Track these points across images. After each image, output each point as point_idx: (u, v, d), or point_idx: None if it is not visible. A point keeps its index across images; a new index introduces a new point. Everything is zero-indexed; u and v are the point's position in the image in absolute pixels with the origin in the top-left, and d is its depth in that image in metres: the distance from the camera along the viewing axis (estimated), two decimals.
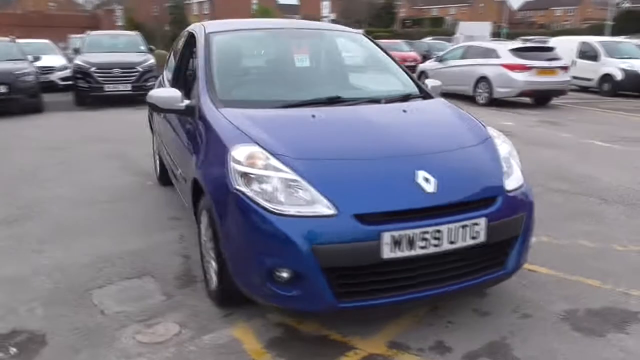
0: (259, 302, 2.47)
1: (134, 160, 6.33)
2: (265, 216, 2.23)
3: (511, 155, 2.75)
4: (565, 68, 11.59)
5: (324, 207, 2.20)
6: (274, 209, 2.22)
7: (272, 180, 2.29)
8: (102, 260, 3.41)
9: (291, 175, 2.29)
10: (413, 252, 2.24)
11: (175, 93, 3.11)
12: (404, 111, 3.02)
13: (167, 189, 5.01)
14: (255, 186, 2.30)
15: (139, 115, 9.98)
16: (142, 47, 12.39)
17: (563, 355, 2.39)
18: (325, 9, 33.94)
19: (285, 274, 2.22)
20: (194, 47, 3.91)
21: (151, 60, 11.61)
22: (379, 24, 47.70)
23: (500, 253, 2.51)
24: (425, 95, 3.37)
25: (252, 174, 2.34)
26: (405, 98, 3.26)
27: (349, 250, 2.18)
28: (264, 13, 48.55)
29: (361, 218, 2.21)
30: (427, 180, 2.34)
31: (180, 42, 4.27)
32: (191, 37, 4.08)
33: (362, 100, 3.11)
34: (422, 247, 2.26)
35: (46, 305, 2.84)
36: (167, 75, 4.58)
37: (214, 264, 2.69)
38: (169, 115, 3.71)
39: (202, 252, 2.99)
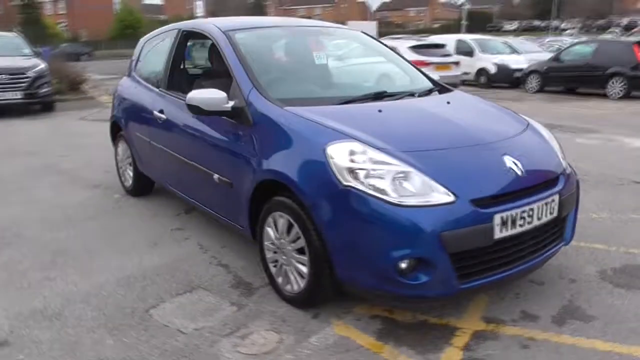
0: (373, 297, 2.52)
1: (73, 173, 5.77)
2: (390, 209, 2.26)
3: (550, 137, 3.07)
4: (457, 63, 12.70)
5: (442, 195, 2.30)
6: (397, 201, 2.27)
7: (383, 173, 2.33)
8: (135, 279, 3.14)
9: (403, 167, 2.35)
10: (514, 231, 2.44)
11: (220, 94, 2.97)
12: (448, 102, 3.20)
13: (143, 200, 4.70)
14: (368, 180, 2.32)
15: (40, 125, 9.06)
16: (26, 50, 11.15)
17: (625, 308, 2.75)
18: (199, 8, 33.04)
19: (414, 264, 2.28)
20: (201, 46, 3.75)
21: (42, 65, 10.51)
22: None
23: (562, 225, 2.81)
24: (441, 87, 3.58)
25: (361, 168, 2.35)
26: (431, 91, 3.45)
27: (470, 233, 2.31)
28: (128, 13, 45.98)
29: (476, 202, 2.35)
30: (515, 164, 2.55)
31: (168, 42, 4.02)
32: (189, 36, 3.89)
33: (403, 94, 3.24)
34: (521, 225, 2.46)
35: (111, 333, 2.57)
36: (150, 76, 4.28)
37: (300, 266, 2.64)
38: (180, 121, 3.51)
39: (265, 257, 2.91)
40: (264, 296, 2.92)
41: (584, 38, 32.97)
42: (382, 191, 2.29)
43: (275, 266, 2.89)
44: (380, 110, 2.88)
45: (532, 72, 14.51)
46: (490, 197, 2.40)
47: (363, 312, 2.72)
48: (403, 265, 2.28)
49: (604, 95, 12.77)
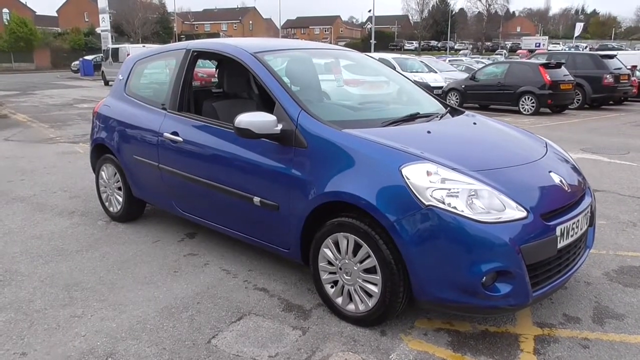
0: (448, 310, 2.62)
1: (36, 200, 5.33)
2: (475, 226, 2.40)
3: (566, 153, 3.40)
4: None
5: (516, 211, 2.48)
6: (479, 217, 2.41)
7: (460, 192, 2.47)
8: (177, 309, 3.00)
9: (477, 185, 2.51)
10: (568, 241, 2.69)
11: (271, 117, 2.96)
12: (475, 124, 3.43)
13: (134, 226, 4.46)
14: (449, 200, 2.45)
15: None
16: None
17: None
18: (103, 22, 31.56)
19: (496, 276, 2.43)
20: (227, 69, 3.71)
21: None
22: (157, 39, 46.35)
23: (587, 234, 3.11)
24: (452, 109, 3.82)
25: (442, 188, 2.48)
26: (449, 112, 3.67)
27: (542, 245, 2.51)
28: (21, 24, 42.69)
29: (544, 216, 2.56)
30: (561, 180, 2.81)
31: (174, 62, 3.89)
32: (201, 57, 3.81)
33: (432, 116, 3.41)
34: (571, 236, 2.71)
35: None
36: (151, 97, 4.11)
37: (369, 286, 2.70)
38: (205, 143, 3.42)
39: (319, 278, 2.93)
40: (322, 318, 2.92)
41: (477, 57, 35.99)
42: (462, 209, 2.43)
43: (332, 287, 2.91)
44: (429, 132, 3.03)
45: (451, 89, 15.56)
46: (552, 212, 2.63)
47: (425, 326, 2.83)
48: (487, 278, 2.42)
49: (517, 111, 13.98)
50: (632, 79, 16.15)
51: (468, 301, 2.49)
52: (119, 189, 4.42)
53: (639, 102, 17.49)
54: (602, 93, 15.07)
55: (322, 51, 3.96)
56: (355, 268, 2.75)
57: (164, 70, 3.89)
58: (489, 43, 70.64)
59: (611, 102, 16.28)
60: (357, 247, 2.72)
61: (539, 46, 49.54)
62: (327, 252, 2.87)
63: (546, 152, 3.12)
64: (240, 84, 4.04)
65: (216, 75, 4.43)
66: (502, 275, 2.44)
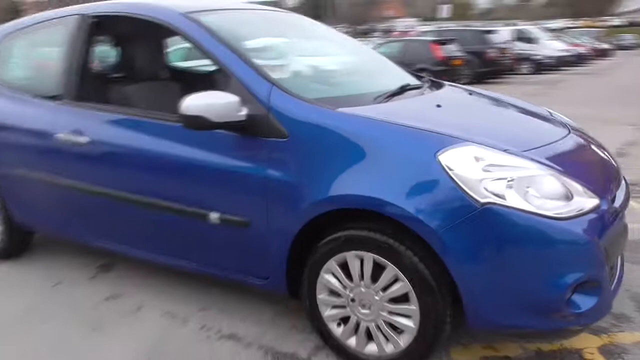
0: (515, 337, 1.99)
1: None
2: (553, 225, 1.76)
3: None
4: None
5: (587, 198, 1.88)
6: (555, 214, 1.78)
7: (522, 181, 1.82)
8: None
9: (541, 171, 1.87)
10: None
11: (232, 97, 2.08)
12: (471, 94, 2.81)
13: (19, 264, 3.29)
14: (510, 192, 1.79)
15: None
16: None
17: None
18: None
19: (577, 288, 1.82)
20: (138, 41, 2.74)
21: None
22: None
23: None
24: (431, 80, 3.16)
25: (500, 178, 1.80)
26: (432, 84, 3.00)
27: (619, 238, 1.96)
28: None
29: (613, 200, 2.00)
30: (605, 153, 2.29)
31: (63, 34, 2.79)
32: (104, 24, 2.79)
33: (421, 87, 2.72)
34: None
35: None
36: (31, 84, 2.97)
37: (400, 319, 1.98)
38: (129, 143, 2.44)
39: (320, 315, 2.16)
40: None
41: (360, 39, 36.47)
42: (531, 204, 1.77)
43: (340, 325, 2.14)
44: (439, 105, 2.34)
45: None
46: (614, 192, 2.08)
47: (464, 356, 2.16)
48: (571, 293, 1.80)
49: None
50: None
51: (540, 325, 1.85)
52: None
53: (516, 75, 18.51)
54: (487, 67, 15.60)
55: (266, 12, 3.08)
56: (377, 298, 2.00)
57: (59, 46, 2.78)
58: (365, 26, 72.55)
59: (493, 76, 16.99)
60: (377, 269, 1.97)
61: (411, 29, 51.71)
62: (331, 279, 2.08)
63: (567, 123, 2.58)
64: (157, 60, 3.06)
65: (117, 52, 3.32)
66: (584, 286, 1.83)
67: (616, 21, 58.97)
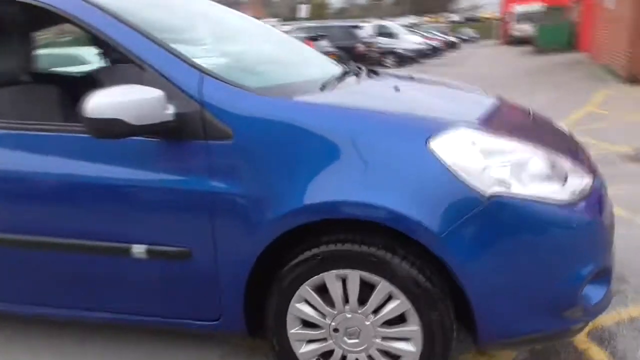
0: (522, 344, 1.73)
1: None
2: (563, 212, 1.54)
3: None
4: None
5: (582, 178, 1.69)
6: (560, 197, 1.56)
7: (521, 164, 1.58)
8: None
9: (534, 152, 1.64)
10: None
11: (155, 92, 1.58)
12: (413, 78, 2.56)
13: None
14: (514, 180, 1.54)
15: None
16: None
17: None
18: None
19: (597, 276, 1.63)
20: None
21: None
22: None
23: None
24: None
25: (504, 164, 1.54)
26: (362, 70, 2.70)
27: (612, 217, 1.80)
28: None
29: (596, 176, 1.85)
30: (565, 128, 2.16)
31: None
32: None
33: (359, 72, 2.40)
34: None
35: None
36: None
37: (398, 345, 1.65)
38: (15, 167, 1.81)
39: (294, 354, 1.75)
40: None
41: None
42: (537, 190, 1.54)
43: (317, 359, 1.75)
44: (397, 89, 2.04)
45: None
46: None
47: None
48: (590, 282, 1.61)
49: None
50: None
51: (553, 326, 1.63)
52: None
53: (384, 67, 19.25)
54: (357, 61, 15.91)
55: None
56: (367, 323, 1.64)
57: None
58: None
59: None
60: (365, 289, 1.62)
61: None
62: (305, 308, 1.69)
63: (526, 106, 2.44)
64: (23, 58, 2.38)
65: None
66: (598, 275, 1.64)
67: (455, 17, 64.62)
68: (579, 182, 1.63)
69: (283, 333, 1.73)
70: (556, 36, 20.11)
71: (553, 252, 1.53)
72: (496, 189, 1.49)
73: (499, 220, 1.50)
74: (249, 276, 1.67)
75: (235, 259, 1.67)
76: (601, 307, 1.69)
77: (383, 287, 1.58)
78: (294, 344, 1.73)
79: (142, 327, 2.00)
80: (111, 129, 1.52)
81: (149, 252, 1.72)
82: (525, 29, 25.31)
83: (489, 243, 1.50)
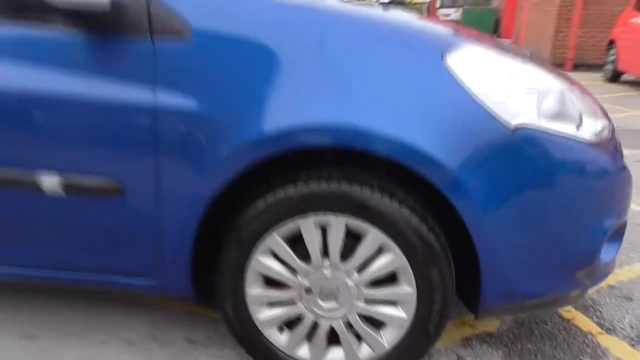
0: (522, 311, 1.48)
1: None
2: (596, 155, 1.30)
3: None
4: None
5: (602, 120, 1.45)
6: (589, 140, 1.31)
7: (546, 94, 1.31)
8: None
9: (554, 83, 1.37)
10: None
11: None
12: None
13: None
14: (537, 110, 1.26)
15: None
16: None
17: None
18: None
19: (614, 234, 1.42)
20: None
21: None
22: None
23: None
24: None
25: (529, 91, 1.26)
26: None
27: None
28: None
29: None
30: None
31: None
32: None
33: None
34: None
35: None
36: None
37: (385, 310, 1.34)
38: None
39: (251, 321, 1.40)
40: None
41: None
42: (560, 125, 1.28)
43: (283, 331, 1.41)
44: (386, 7, 1.70)
45: None
46: None
47: (442, 343, 1.64)
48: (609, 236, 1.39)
49: None
50: None
51: (563, 287, 1.39)
52: None
53: None
54: None
55: None
56: (350, 282, 1.32)
57: None
58: None
59: None
60: (350, 241, 1.29)
61: None
62: (271, 263, 1.33)
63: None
64: None
65: None
66: (616, 230, 1.42)
67: None
68: (601, 123, 1.39)
69: (240, 294, 1.37)
70: (481, 21, 20.64)
71: (582, 198, 1.28)
72: (522, 120, 1.21)
73: (525, 157, 1.22)
74: (200, 222, 1.29)
75: (184, 199, 1.28)
76: (609, 269, 1.48)
77: (373, 237, 1.26)
78: (253, 308, 1.38)
79: (59, 286, 1.56)
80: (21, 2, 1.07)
81: (64, 184, 1.29)
82: (450, 12, 25.74)
83: (509, 184, 1.22)
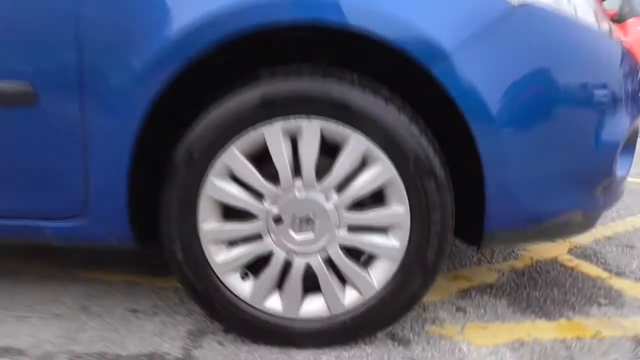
0: (528, 240, 1.28)
1: None
2: (611, 45, 1.13)
3: None
4: None
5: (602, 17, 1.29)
6: (588, 21, 1.13)
7: None
8: None
9: None
10: None
11: None
12: None
13: None
14: None
15: None
16: None
17: None
18: None
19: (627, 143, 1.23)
20: None
21: None
22: None
23: None
24: None
25: None
26: None
27: None
28: None
29: None
30: None
31: None
32: None
33: None
34: None
35: None
36: None
37: (373, 239, 1.10)
38: None
39: (207, 262, 1.12)
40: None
41: None
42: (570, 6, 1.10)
43: (247, 277, 1.14)
44: None
45: None
46: None
47: (437, 296, 1.40)
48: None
49: None
50: None
51: (583, 204, 1.17)
52: None
53: None
54: None
55: None
56: (328, 205, 1.07)
57: None
58: None
59: None
60: (326, 161, 1.05)
61: None
62: (228, 187, 1.07)
63: None
64: None
65: None
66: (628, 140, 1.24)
67: None
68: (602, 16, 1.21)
69: (191, 231, 1.09)
70: None
71: (597, 94, 1.08)
72: None
73: (531, 39, 1.02)
74: (136, 139, 1.02)
75: (115, 110, 1.01)
76: (622, 189, 1.29)
77: (356, 143, 1.02)
78: (209, 249, 1.10)
79: None
80: None
81: None
82: None
83: (514, 67, 1.01)
